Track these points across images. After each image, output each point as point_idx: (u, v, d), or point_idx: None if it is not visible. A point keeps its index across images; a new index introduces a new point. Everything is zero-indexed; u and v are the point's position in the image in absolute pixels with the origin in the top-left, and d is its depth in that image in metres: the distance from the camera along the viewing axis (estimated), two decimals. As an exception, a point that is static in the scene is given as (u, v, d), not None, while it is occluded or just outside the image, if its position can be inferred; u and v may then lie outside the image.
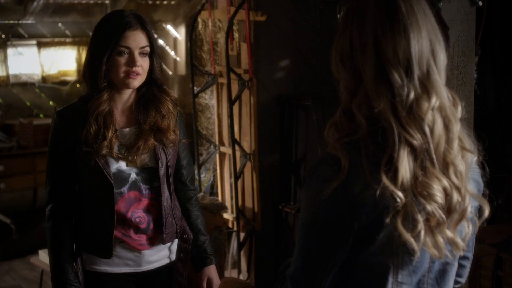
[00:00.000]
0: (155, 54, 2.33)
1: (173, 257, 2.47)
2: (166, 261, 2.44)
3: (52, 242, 2.35)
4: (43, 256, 3.91)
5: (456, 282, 1.62)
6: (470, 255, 1.64)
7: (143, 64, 2.29)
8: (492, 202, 1.52)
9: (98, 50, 2.26)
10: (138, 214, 2.33)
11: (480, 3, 2.91)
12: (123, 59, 2.26)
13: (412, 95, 1.35)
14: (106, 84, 2.29)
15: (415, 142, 1.34)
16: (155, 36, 2.37)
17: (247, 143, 3.82)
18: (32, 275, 5.21)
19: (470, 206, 1.41)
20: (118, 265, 2.36)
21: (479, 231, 1.61)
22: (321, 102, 3.52)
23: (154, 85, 2.37)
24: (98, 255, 2.34)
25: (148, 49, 2.30)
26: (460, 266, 1.62)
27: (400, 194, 1.32)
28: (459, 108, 1.42)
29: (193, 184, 2.59)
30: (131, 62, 2.26)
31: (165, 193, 2.37)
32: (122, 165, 2.31)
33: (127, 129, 2.35)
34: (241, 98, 3.80)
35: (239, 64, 3.84)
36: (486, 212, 1.47)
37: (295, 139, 3.74)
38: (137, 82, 2.30)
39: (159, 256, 2.42)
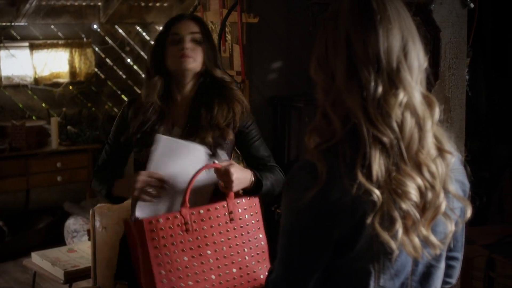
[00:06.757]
0: (209, 44, 2.41)
1: None
2: None
3: None
4: (36, 258, 3.91)
5: (446, 282, 1.62)
6: (459, 255, 1.64)
7: (194, 49, 2.37)
8: (475, 202, 1.51)
9: (154, 43, 2.44)
10: None
11: (472, 5, 2.93)
12: (175, 47, 2.37)
13: (380, 89, 1.34)
14: (159, 75, 2.41)
15: (384, 139, 1.33)
16: (210, 31, 2.47)
17: (240, 145, 3.82)
18: (24, 277, 5.19)
19: (445, 203, 1.39)
20: None
21: (471, 233, 1.61)
22: (313, 104, 3.51)
23: (210, 77, 2.44)
24: None
25: (199, 35, 2.38)
26: (449, 266, 1.62)
27: (376, 190, 1.31)
28: (436, 110, 1.40)
29: None
30: (181, 45, 2.36)
31: None
32: None
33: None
34: (234, 100, 3.80)
35: (231, 66, 3.84)
36: (469, 213, 1.47)
37: (287, 140, 3.74)
38: (188, 64, 2.36)
39: None
